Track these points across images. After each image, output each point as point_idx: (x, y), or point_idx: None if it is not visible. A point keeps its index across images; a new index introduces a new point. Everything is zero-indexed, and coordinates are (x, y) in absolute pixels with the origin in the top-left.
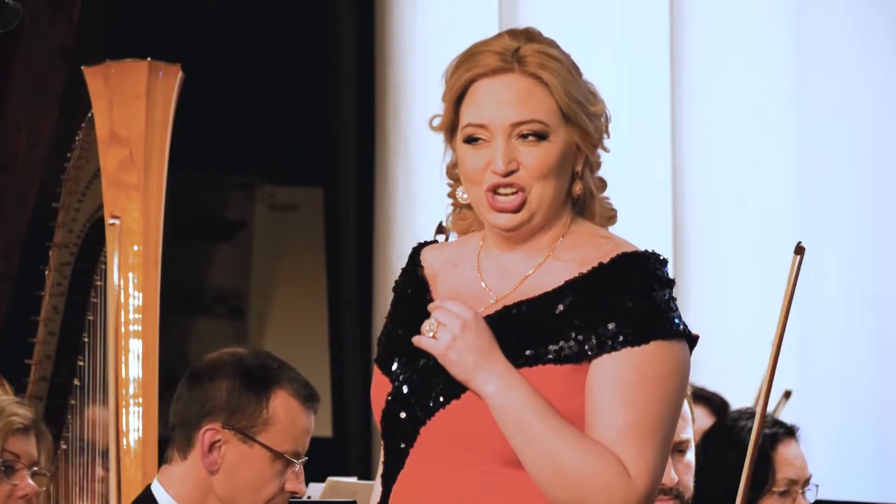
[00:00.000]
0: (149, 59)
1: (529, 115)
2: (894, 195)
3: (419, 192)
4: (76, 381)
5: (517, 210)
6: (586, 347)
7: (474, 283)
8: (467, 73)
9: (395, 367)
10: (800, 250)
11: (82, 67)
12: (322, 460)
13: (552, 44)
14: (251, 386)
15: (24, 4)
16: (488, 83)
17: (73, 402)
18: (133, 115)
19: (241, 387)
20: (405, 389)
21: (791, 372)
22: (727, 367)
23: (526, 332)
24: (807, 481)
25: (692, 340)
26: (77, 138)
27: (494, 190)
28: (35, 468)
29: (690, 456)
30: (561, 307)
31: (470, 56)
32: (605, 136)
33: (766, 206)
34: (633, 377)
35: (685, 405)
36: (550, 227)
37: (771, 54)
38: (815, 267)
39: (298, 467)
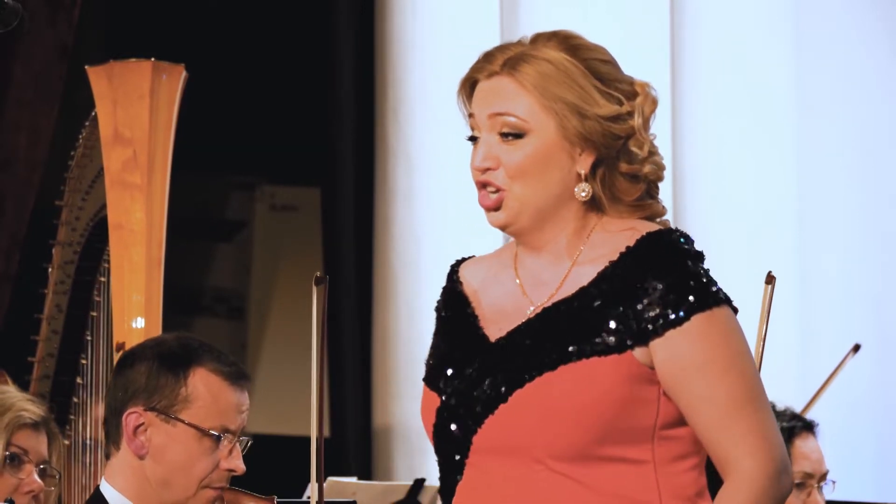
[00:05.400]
0: (153, 59)
1: (505, 108)
2: (894, 195)
3: (419, 193)
4: (79, 380)
5: (497, 209)
6: (627, 336)
7: (516, 294)
8: (469, 74)
9: (443, 381)
10: (770, 279)
11: (86, 67)
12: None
13: (559, 45)
14: (169, 366)
15: (24, 4)
16: (481, 86)
17: (76, 400)
18: (137, 115)
19: (159, 367)
20: (453, 401)
21: (792, 371)
22: None
23: (566, 329)
24: (823, 476)
25: (735, 310)
26: (80, 137)
27: (483, 187)
28: (44, 466)
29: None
30: (598, 300)
31: (479, 59)
32: (625, 139)
33: (766, 207)
34: (697, 359)
35: None
36: (561, 228)
37: (771, 55)
38: (815, 267)
39: (233, 444)
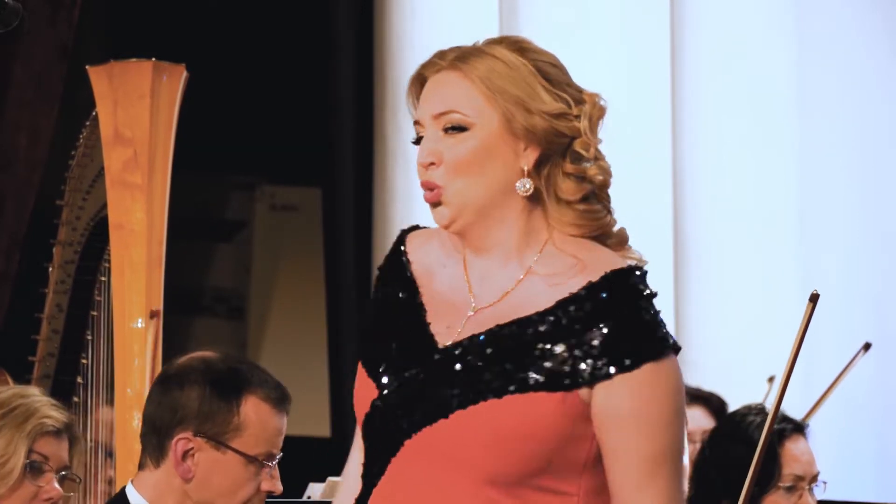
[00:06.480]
0: (153, 59)
1: (447, 106)
2: (894, 195)
3: (418, 193)
4: (79, 379)
5: (437, 205)
6: (577, 375)
7: (462, 289)
8: (417, 72)
9: (382, 373)
10: (814, 298)
11: (86, 67)
12: (322, 460)
13: (508, 46)
14: (222, 392)
15: (24, 4)
16: (428, 83)
17: (76, 399)
18: (137, 115)
19: (212, 394)
20: (391, 400)
21: (792, 374)
22: (727, 367)
23: (517, 357)
24: (814, 478)
25: (678, 352)
26: (81, 137)
27: (426, 186)
28: (65, 472)
29: (685, 459)
30: (553, 333)
31: (431, 57)
32: (570, 138)
33: (767, 207)
34: (635, 409)
35: None
36: (507, 228)
37: (771, 54)
38: (816, 267)
39: (273, 467)
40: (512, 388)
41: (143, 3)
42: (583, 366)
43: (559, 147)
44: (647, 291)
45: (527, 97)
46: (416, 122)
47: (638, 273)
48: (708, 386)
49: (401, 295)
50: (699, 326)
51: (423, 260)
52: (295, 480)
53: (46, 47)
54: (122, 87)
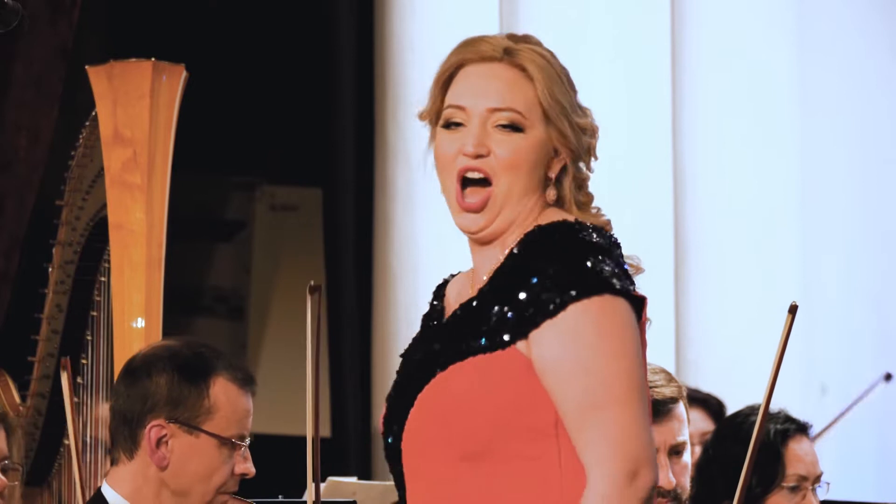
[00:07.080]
0: (153, 59)
1: (507, 104)
2: (895, 194)
3: (418, 193)
4: (79, 379)
5: (481, 209)
6: (509, 330)
7: (468, 292)
8: (456, 56)
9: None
10: (793, 309)
11: (86, 67)
12: (322, 460)
13: (548, 51)
14: (190, 377)
15: (24, 4)
16: (475, 68)
17: (76, 399)
18: (137, 115)
19: (181, 379)
20: (387, 412)
21: (793, 373)
22: (728, 367)
23: (463, 328)
24: (817, 478)
25: (635, 300)
26: (81, 137)
27: (463, 181)
28: (6, 462)
29: (687, 457)
30: (488, 295)
31: (464, 44)
32: (587, 153)
33: (768, 207)
34: (561, 353)
35: (680, 407)
36: (512, 231)
37: (772, 55)
38: (817, 267)
39: (244, 449)
40: (455, 357)
41: (143, 3)
42: (513, 319)
43: (583, 160)
44: (586, 238)
45: (570, 109)
46: (458, 107)
47: (578, 226)
48: (708, 386)
49: (434, 322)
50: (699, 326)
51: (452, 290)
52: (295, 480)
53: (46, 48)
54: (121, 87)
